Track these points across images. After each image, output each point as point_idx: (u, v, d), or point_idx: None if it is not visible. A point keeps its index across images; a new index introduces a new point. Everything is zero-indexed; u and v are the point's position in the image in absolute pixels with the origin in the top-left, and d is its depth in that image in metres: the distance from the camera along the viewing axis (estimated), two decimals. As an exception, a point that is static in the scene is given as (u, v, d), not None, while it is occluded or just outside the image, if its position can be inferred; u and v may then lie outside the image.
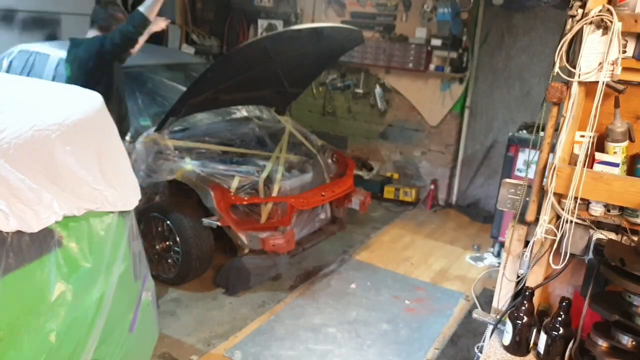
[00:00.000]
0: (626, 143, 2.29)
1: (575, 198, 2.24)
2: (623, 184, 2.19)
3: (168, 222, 4.24)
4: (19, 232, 1.77)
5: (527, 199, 2.48)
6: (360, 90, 7.30)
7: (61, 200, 1.94)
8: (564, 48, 2.22)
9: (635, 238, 2.22)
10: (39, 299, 1.96)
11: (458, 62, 6.44)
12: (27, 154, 1.86)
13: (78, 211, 2.04)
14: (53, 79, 4.95)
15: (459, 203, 6.94)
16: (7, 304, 1.80)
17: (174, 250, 4.31)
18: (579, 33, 2.19)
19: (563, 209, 2.28)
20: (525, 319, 2.36)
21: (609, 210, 2.30)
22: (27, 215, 1.78)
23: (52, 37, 7.21)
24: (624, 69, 2.14)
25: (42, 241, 1.93)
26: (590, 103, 2.19)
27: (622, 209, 2.28)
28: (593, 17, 2.12)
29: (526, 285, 2.47)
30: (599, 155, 2.30)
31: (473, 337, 3.93)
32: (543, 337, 2.34)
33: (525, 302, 2.37)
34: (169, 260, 4.38)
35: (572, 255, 2.32)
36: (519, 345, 2.41)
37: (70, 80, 3.84)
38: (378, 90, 7.13)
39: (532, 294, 2.39)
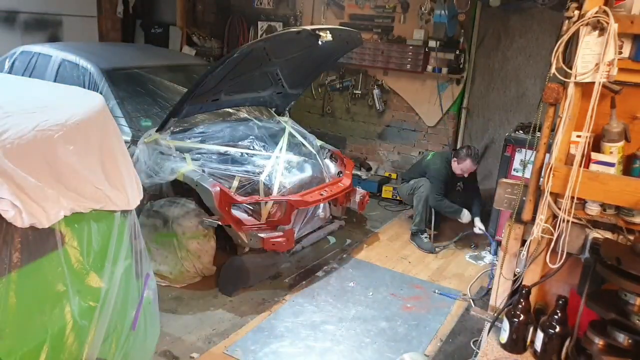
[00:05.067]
0: (622, 143, 2.32)
1: (572, 197, 2.27)
2: (619, 184, 2.22)
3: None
4: (25, 229, 1.80)
5: (524, 198, 2.51)
6: (358, 91, 7.34)
7: (67, 199, 1.97)
8: (561, 49, 2.25)
9: (632, 237, 2.25)
10: (44, 296, 1.99)
11: (455, 63, 6.48)
12: (30, 153, 1.88)
13: (83, 210, 2.06)
14: (55, 80, 4.98)
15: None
16: (14, 300, 1.82)
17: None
18: (576, 34, 2.21)
19: (559, 209, 2.30)
20: (522, 317, 2.39)
21: (605, 210, 2.33)
22: (38, 211, 1.81)
23: (53, 38, 7.24)
24: (620, 69, 2.17)
25: (47, 239, 1.96)
26: (587, 104, 2.22)
27: (618, 208, 2.31)
28: (589, 18, 2.15)
29: (523, 283, 2.50)
30: (595, 155, 2.32)
31: (470, 334, 3.96)
32: (540, 335, 2.37)
33: (522, 300, 2.40)
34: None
35: (568, 254, 2.35)
36: (515, 342, 2.43)
37: None
38: (376, 91, 7.17)
39: (528, 292, 2.42)
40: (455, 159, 5.50)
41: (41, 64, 5.25)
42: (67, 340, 2.04)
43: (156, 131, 4.49)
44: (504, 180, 2.71)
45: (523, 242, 2.54)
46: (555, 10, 4.12)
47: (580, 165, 2.25)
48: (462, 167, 5.45)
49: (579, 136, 2.28)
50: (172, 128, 4.56)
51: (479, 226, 5.48)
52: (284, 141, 5.18)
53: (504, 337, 2.45)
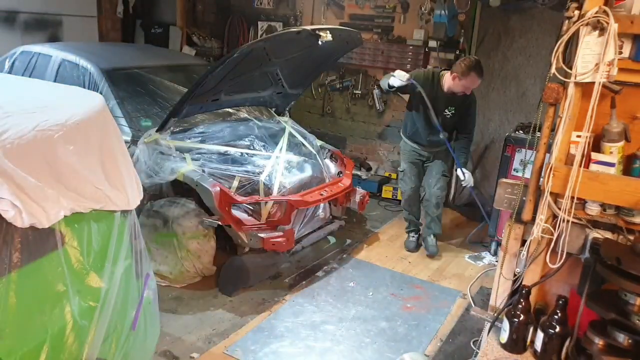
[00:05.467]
0: (622, 143, 2.32)
1: (572, 197, 2.27)
2: (619, 184, 2.22)
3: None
4: (25, 229, 1.80)
5: (524, 198, 2.51)
6: (358, 91, 7.34)
7: (67, 199, 1.97)
8: (561, 49, 2.25)
9: (632, 237, 2.25)
10: (44, 296, 1.99)
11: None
12: (30, 153, 1.88)
13: (83, 210, 2.06)
14: (55, 80, 4.98)
15: (456, 202, 6.96)
16: (14, 300, 1.82)
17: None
18: (576, 34, 2.21)
19: (559, 209, 2.30)
20: (522, 317, 2.39)
21: (605, 210, 2.33)
22: (38, 211, 1.81)
23: (53, 38, 7.25)
24: (620, 69, 2.17)
25: (47, 239, 1.96)
26: (587, 104, 2.22)
27: (618, 208, 2.31)
28: (589, 18, 2.14)
29: (523, 283, 2.50)
30: (595, 155, 2.32)
31: (471, 334, 3.96)
32: (540, 335, 2.36)
33: (522, 300, 2.40)
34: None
35: (568, 254, 2.35)
36: (515, 343, 2.43)
37: None
38: (376, 91, 7.16)
39: (528, 292, 2.42)
40: (454, 74, 4.62)
41: (41, 64, 5.25)
42: (67, 340, 2.04)
43: (156, 131, 4.49)
44: (504, 180, 2.71)
45: (523, 242, 2.54)
46: (555, 10, 4.13)
47: (580, 165, 2.25)
48: (464, 83, 4.63)
49: (579, 136, 2.28)
50: (172, 128, 4.56)
51: (462, 176, 4.95)
52: (284, 141, 5.18)
53: (504, 337, 2.45)
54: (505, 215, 4.74)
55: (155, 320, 2.86)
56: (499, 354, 2.44)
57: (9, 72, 5.33)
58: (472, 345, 3.77)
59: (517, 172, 4.87)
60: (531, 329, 2.42)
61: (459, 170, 5.01)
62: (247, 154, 4.83)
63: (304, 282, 4.62)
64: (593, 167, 2.31)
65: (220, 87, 4.55)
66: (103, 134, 2.36)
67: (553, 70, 2.26)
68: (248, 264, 4.40)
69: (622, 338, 2.16)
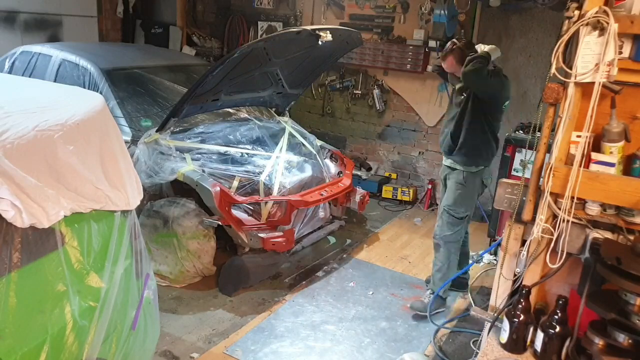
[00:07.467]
0: (622, 143, 2.31)
1: (572, 197, 2.26)
2: (619, 184, 2.22)
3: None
4: (25, 229, 1.80)
5: (524, 198, 2.51)
6: (358, 91, 7.33)
7: (67, 199, 1.97)
8: (561, 49, 2.24)
9: (632, 237, 2.25)
10: (44, 296, 1.99)
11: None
12: (30, 153, 1.88)
13: (83, 210, 2.06)
14: (55, 80, 4.98)
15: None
16: (14, 300, 1.82)
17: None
18: (576, 34, 2.21)
19: (559, 209, 2.30)
20: (522, 317, 2.38)
21: (605, 210, 2.32)
22: (38, 211, 1.81)
23: (53, 38, 7.26)
24: (620, 69, 2.17)
25: (47, 239, 1.96)
26: (587, 104, 2.22)
27: (618, 208, 2.30)
28: (589, 18, 2.14)
29: (523, 283, 2.49)
30: (595, 155, 2.32)
31: (470, 334, 3.96)
32: (540, 335, 2.36)
33: (522, 300, 2.40)
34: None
35: (568, 254, 2.34)
36: (516, 343, 2.43)
37: None
38: (376, 91, 7.16)
39: (528, 292, 2.41)
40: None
41: (41, 64, 5.26)
42: (67, 340, 2.04)
43: (156, 131, 4.49)
44: (504, 180, 2.71)
45: (523, 242, 2.54)
46: (555, 10, 4.12)
47: (580, 165, 2.24)
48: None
49: (579, 136, 2.28)
50: (172, 128, 4.57)
51: None
52: (284, 141, 5.19)
53: (504, 337, 2.45)
54: (505, 215, 4.74)
55: (155, 320, 2.86)
56: (499, 354, 2.44)
57: (9, 72, 5.34)
58: (472, 345, 3.78)
59: (517, 172, 4.88)
60: (531, 329, 2.41)
61: None
62: (247, 154, 4.83)
63: (304, 282, 4.62)
64: (593, 167, 2.30)
65: (220, 87, 4.55)
66: (103, 134, 2.36)
67: (553, 70, 2.25)
68: (248, 264, 4.40)
69: (622, 338, 2.16)
